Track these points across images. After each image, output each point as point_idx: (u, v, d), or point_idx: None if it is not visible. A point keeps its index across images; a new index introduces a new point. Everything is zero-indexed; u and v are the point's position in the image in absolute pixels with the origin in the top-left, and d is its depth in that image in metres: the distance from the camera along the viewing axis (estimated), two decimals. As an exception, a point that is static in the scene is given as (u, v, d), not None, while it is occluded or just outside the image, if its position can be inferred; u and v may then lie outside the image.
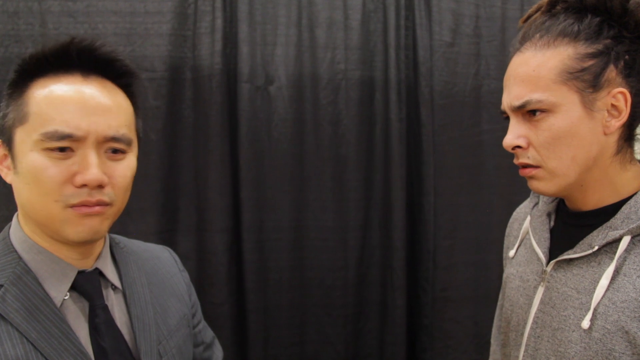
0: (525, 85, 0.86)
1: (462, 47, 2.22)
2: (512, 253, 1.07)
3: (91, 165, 0.81)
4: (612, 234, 0.82)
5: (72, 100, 0.82)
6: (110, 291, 0.92)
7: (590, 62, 0.83)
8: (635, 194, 0.85)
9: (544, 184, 0.90)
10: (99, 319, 0.86)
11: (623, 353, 0.78)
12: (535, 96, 0.85)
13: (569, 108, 0.83)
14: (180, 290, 1.05)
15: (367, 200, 2.21)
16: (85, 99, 0.83)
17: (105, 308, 0.88)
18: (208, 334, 1.18)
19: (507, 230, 1.14)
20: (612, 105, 0.84)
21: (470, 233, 2.29)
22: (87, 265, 0.89)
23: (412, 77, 2.20)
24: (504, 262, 1.13)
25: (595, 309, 0.81)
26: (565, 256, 0.89)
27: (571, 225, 0.92)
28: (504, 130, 2.28)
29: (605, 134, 0.84)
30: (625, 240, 0.81)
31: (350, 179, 2.18)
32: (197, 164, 2.04)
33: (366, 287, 2.23)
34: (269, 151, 2.08)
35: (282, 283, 2.14)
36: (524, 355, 0.96)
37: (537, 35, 0.87)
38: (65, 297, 0.84)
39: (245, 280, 2.10)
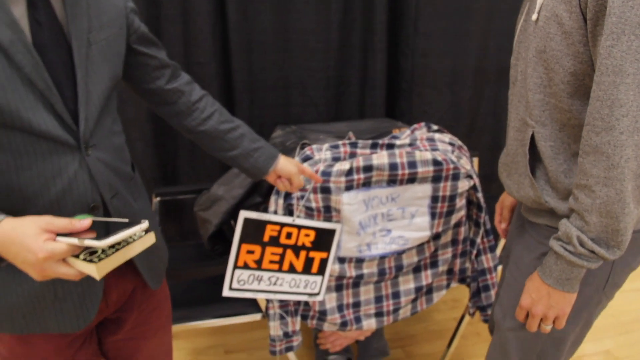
0: None
1: None
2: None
3: None
4: None
5: None
6: None
7: None
8: None
9: None
10: None
11: (555, 34, 0.97)
12: None
13: None
14: None
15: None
16: None
17: None
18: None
19: None
20: None
21: (451, 1, 2.30)
22: None
23: None
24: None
25: (541, 5, 1.00)
26: None
27: None
28: None
29: None
30: None
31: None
32: None
33: (348, 50, 2.30)
34: None
35: (266, 45, 2.21)
36: (513, 58, 1.18)
37: None
38: None
39: (230, 41, 2.18)
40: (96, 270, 0.82)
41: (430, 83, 2.40)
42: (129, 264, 1.15)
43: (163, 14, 2.12)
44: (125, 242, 0.88)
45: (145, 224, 0.87)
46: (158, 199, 1.99)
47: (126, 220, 0.91)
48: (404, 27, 2.30)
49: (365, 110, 2.37)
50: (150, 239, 0.93)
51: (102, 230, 0.89)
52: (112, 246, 0.87)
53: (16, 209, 0.94)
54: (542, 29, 1.00)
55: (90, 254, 0.84)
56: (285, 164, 1.39)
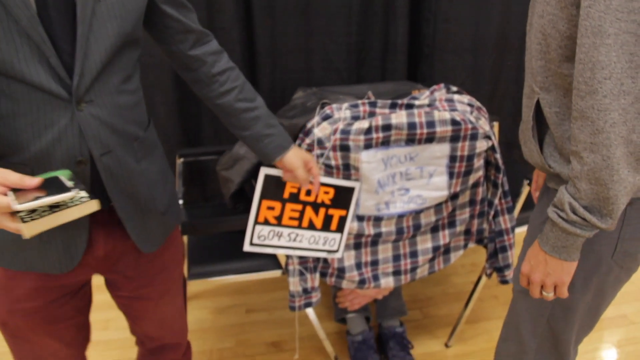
0: None
1: None
2: None
3: None
4: None
5: None
6: None
7: None
8: None
9: None
10: None
11: None
12: None
13: None
14: None
15: None
16: None
17: None
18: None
19: None
20: None
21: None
22: None
23: None
24: None
25: None
26: None
27: None
28: None
29: None
30: None
31: None
32: None
33: (369, 16, 2.30)
34: None
35: (288, 9, 2.23)
36: (528, 25, 1.12)
37: None
38: None
39: (252, 6, 2.20)
40: (24, 229, 0.86)
41: (452, 48, 2.40)
42: (120, 225, 1.16)
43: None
44: (65, 206, 0.90)
45: (70, 193, 0.89)
46: (181, 160, 2.04)
47: (71, 185, 0.93)
48: (425, -9, 2.30)
49: (387, 76, 2.39)
50: (92, 206, 0.93)
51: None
52: (51, 207, 0.89)
53: (9, 153, 0.99)
54: None
55: (31, 212, 0.88)
56: (291, 158, 1.40)
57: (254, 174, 1.80)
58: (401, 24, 2.29)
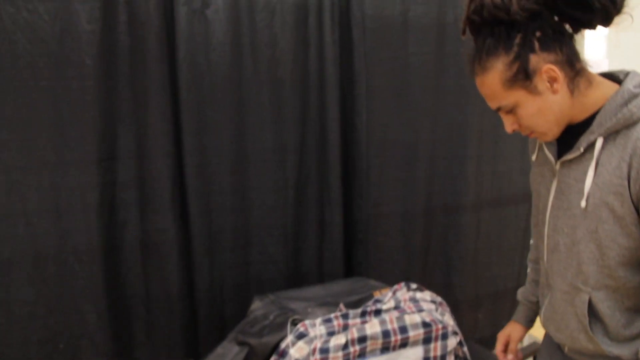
0: (490, 99, 1.19)
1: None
2: (533, 157, 1.40)
3: None
4: (591, 138, 1.15)
5: None
6: None
7: (516, 65, 1.11)
8: (603, 105, 1.14)
9: (545, 138, 1.24)
10: None
11: (607, 217, 1.14)
12: (500, 104, 1.17)
13: (523, 101, 1.15)
14: None
15: (303, 120, 2.27)
16: None
17: None
18: None
19: (529, 139, 1.44)
20: (549, 77, 1.12)
21: (399, 151, 2.43)
22: None
23: (344, 1, 2.24)
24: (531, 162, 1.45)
25: (588, 193, 1.16)
26: (564, 157, 1.22)
27: (569, 134, 1.21)
28: (430, 53, 2.41)
29: (555, 94, 1.14)
30: (600, 141, 1.14)
31: (287, 100, 2.23)
32: (136, 88, 2.00)
33: (305, 205, 2.32)
34: (208, 75, 2.08)
35: (225, 206, 2.19)
36: (548, 229, 1.32)
37: (476, 63, 1.16)
38: None
39: (189, 205, 2.13)
40: None
41: (384, 231, 2.46)
42: None
43: (119, 181, 2.06)
44: None
45: None
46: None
47: None
48: (357, 178, 2.37)
49: (324, 263, 2.37)
50: None
51: None
52: None
53: None
54: (592, 213, 1.16)
55: None
56: None
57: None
58: (336, 212, 2.33)
